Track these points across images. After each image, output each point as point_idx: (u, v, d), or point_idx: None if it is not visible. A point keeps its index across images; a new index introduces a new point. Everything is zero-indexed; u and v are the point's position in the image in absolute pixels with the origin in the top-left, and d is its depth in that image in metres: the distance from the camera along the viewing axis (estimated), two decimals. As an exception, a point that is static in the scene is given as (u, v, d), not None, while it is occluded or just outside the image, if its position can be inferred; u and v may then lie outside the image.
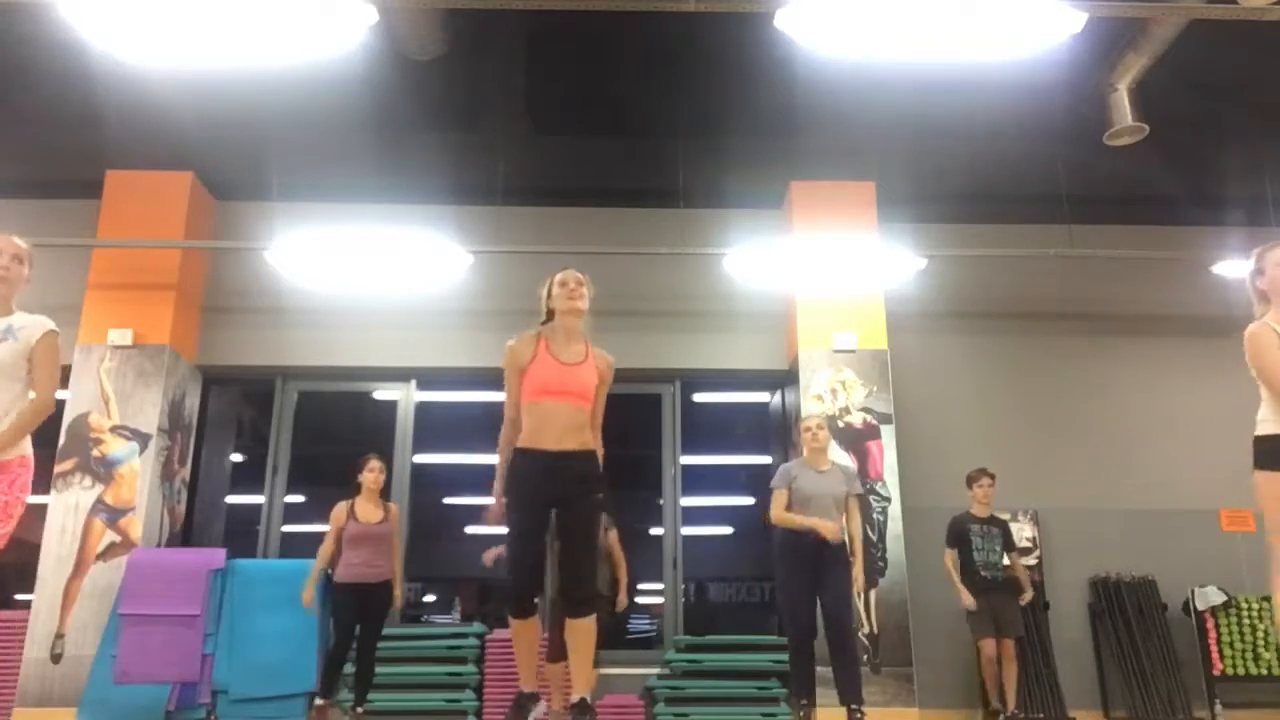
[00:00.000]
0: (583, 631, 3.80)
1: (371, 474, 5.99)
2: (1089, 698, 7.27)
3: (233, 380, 8.25)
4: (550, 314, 4.05)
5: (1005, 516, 7.61)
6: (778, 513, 5.34)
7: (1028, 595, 6.33)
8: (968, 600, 6.20)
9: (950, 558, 6.40)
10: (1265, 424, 3.38)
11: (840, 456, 7.02)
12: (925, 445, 7.59)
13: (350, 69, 5.92)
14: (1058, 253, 7.52)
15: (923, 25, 4.61)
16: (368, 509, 5.95)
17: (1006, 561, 6.45)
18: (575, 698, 3.77)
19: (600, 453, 4.00)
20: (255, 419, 8.42)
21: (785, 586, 5.33)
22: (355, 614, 5.80)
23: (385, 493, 6.17)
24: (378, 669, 5.92)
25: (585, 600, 3.80)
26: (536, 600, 3.89)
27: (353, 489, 6.02)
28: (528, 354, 3.89)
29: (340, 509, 5.96)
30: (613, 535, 6.20)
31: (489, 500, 3.96)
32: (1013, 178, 7.72)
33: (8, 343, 3.49)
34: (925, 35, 4.68)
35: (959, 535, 6.41)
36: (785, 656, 6.70)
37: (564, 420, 3.82)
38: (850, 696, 5.07)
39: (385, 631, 6.73)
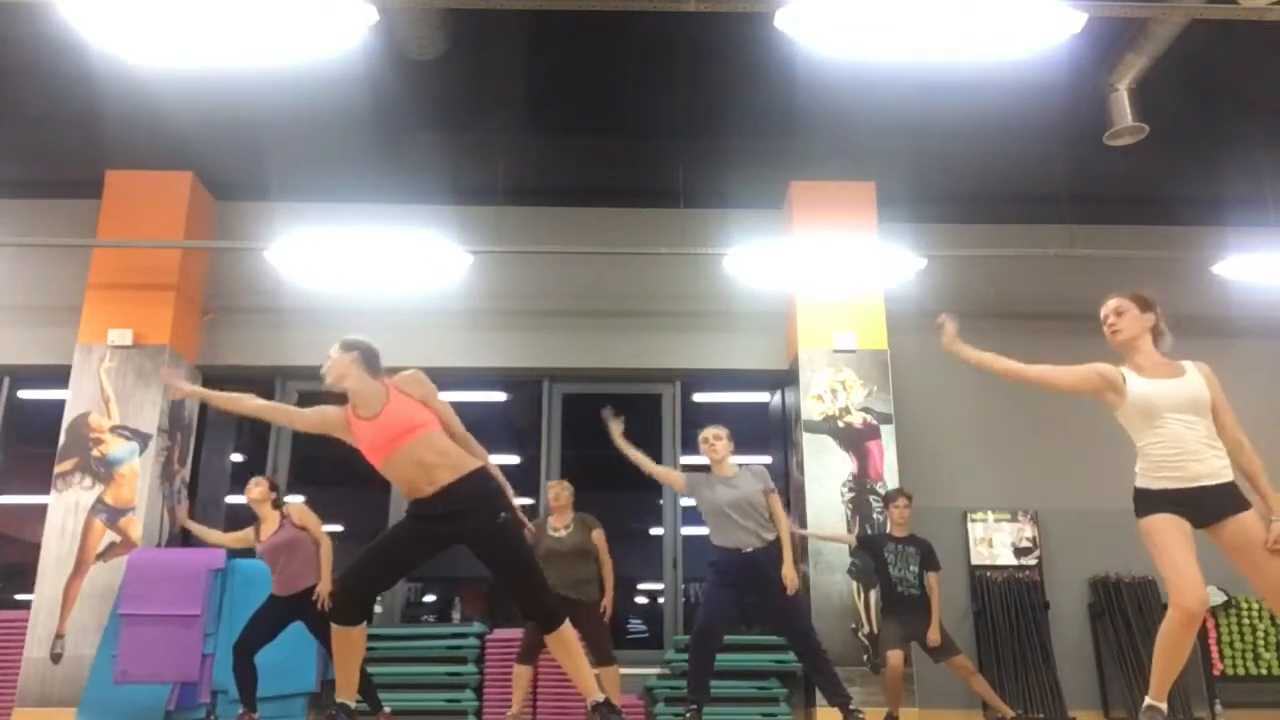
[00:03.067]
0: (558, 643, 3.75)
1: (249, 493, 5.74)
2: (1089, 698, 7.27)
3: (233, 380, 8.24)
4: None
5: (1006, 517, 7.64)
6: (654, 466, 5.46)
7: (933, 633, 6.07)
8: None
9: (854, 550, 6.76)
10: (1139, 476, 3.69)
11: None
12: (925, 445, 7.59)
13: (350, 69, 5.92)
14: (1058, 253, 7.51)
15: (923, 25, 4.61)
16: (266, 526, 5.69)
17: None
18: (590, 702, 3.76)
19: (484, 459, 3.79)
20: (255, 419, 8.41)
21: (708, 594, 5.21)
22: (272, 625, 5.52)
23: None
24: (378, 669, 5.87)
25: (545, 616, 3.73)
26: (375, 609, 3.74)
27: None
28: (341, 424, 3.80)
29: (248, 532, 5.76)
30: (598, 535, 5.98)
31: None
32: (1013, 178, 7.72)
33: None
34: (925, 35, 4.68)
35: (874, 550, 6.34)
36: (786, 656, 6.73)
37: (416, 461, 3.66)
38: (838, 697, 5.04)
39: (385, 632, 6.75)
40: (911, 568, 6.22)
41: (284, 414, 4.10)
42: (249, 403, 3.99)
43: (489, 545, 3.70)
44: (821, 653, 5.12)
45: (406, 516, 3.77)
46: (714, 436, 5.35)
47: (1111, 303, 3.83)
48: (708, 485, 5.29)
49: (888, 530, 6.51)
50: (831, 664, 5.16)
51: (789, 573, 5.10)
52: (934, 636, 6.07)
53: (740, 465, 5.39)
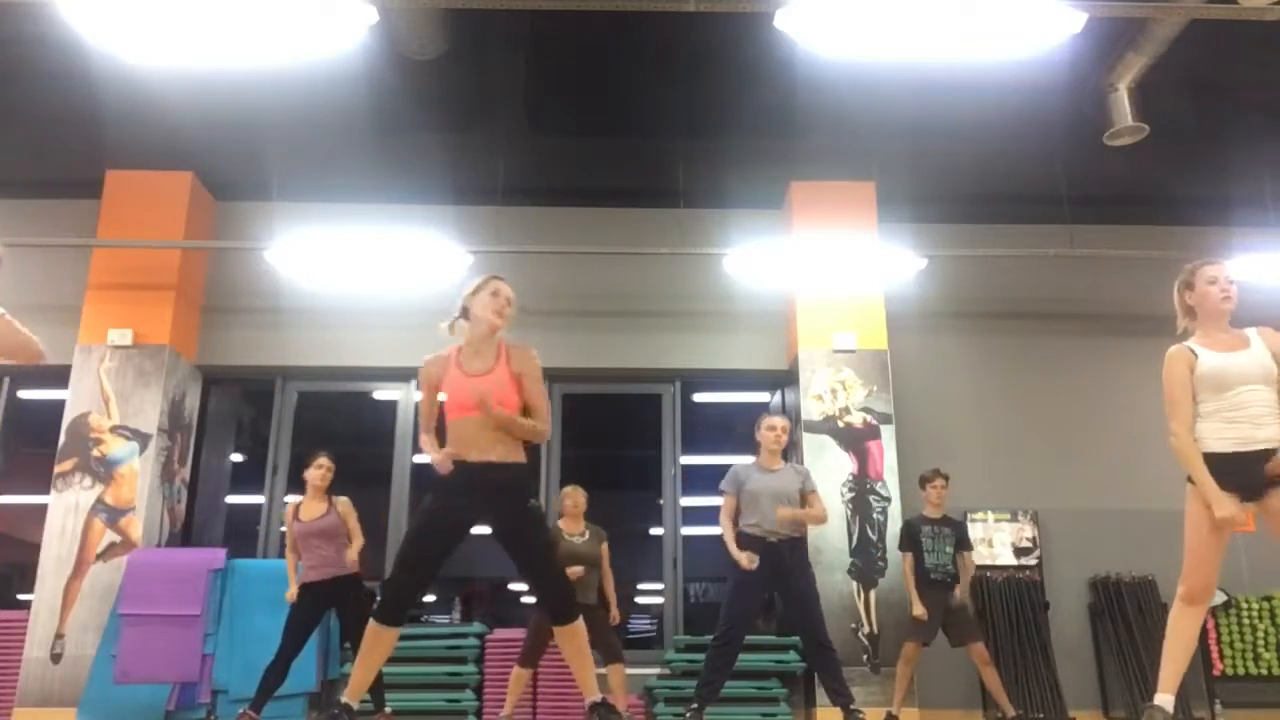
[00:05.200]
0: (569, 636, 3.75)
1: (317, 470, 5.75)
2: (1089, 698, 7.27)
3: (233, 380, 8.25)
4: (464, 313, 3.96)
5: (1006, 517, 7.64)
6: (723, 523, 5.34)
7: (959, 592, 6.19)
8: (918, 610, 6.14)
9: (907, 562, 6.31)
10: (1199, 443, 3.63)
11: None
12: (925, 445, 7.57)
13: (350, 69, 5.92)
14: (1058, 253, 7.52)
15: (923, 25, 4.61)
16: (310, 506, 5.73)
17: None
18: (588, 702, 3.76)
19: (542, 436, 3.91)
20: (255, 419, 8.42)
21: (736, 587, 5.22)
22: (308, 616, 5.61)
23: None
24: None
25: (564, 607, 3.74)
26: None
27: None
28: (437, 383, 3.88)
29: (288, 511, 5.78)
30: (605, 548, 6.17)
31: None
32: (1013, 178, 7.72)
33: None
34: (925, 35, 4.68)
35: (911, 538, 6.33)
36: (786, 656, 6.73)
37: (489, 428, 3.72)
38: (841, 696, 5.09)
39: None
40: (947, 549, 6.26)
41: (427, 413, 4.03)
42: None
43: (516, 528, 3.73)
44: (831, 650, 5.17)
45: (432, 502, 3.73)
46: (783, 428, 5.45)
47: (1226, 268, 3.77)
48: (749, 476, 5.37)
49: (923, 512, 6.45)
50: (839, 663, 5.20)
51: (816, 512, 5.30)
52: (961, 596, 6.21)
53: (785, 462, 5.49)
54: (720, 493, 5.41)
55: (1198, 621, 3.59)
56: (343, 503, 5.79)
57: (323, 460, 5.83)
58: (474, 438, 3.71)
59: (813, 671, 6.69)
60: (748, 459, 5.57)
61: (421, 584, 3.81)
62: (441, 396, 3.94)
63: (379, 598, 3.74)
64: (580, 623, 3.77)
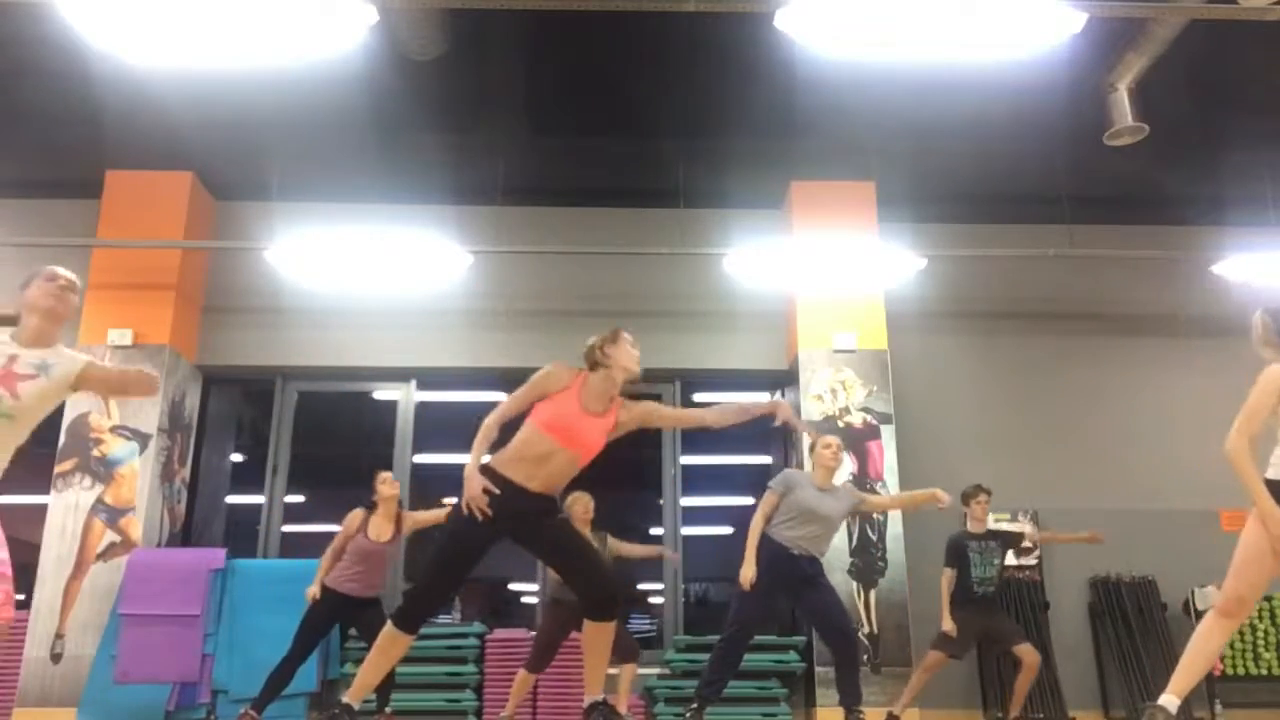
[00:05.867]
0: (601, 633, 3.75)
1: (385, 485, 5.74)
2: (1089, 698, 7.27)
3: (233, 380, 8.25)
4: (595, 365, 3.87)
5: (1005, 517, 7.64)
6: (755, 519, 5.31)
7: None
8: (949, 625, 6.07)
9: (947, 578, 6.22)
10: (1272, 468, 3.55)
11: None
12: (925, 445, 7.58)
13: (350, 69, 5.92)
14: (1058, 253, 7.52)
15: (923, 25, 4.61)
16: (381, 525, 5.70)
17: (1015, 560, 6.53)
18: (588, 701, 3.76)
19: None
20: (255, 419, 8.42)
21: (748, 594, 5.18)
22: (326, 622, 5.64)
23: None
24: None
25: (609, 601, 3.72)
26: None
27: (367, 496, 5.77)
28: (551, 390, 3.80)
29: (355, 518, 5.68)
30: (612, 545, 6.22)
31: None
32: (1013, 178, 7.72)
33: (38, 380, 3.16)
34: (925, 35, 4.68)
35: (959, 554, 6.24)
36: (786, 656, 6.73)
37: (565, 472, 3.76)
38: (851, 698, 5.15)
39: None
40: (994, 562, 6.22)
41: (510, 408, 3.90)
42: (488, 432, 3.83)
43: (558, 538, 3.77)
44: (857, 652, 5.24)
45: (472, 518, 3.63)
46: (839, 447, 5.50)
47: None
48: (802, 485, 5.37)
49: (966, 528, 6.38)
50: (859, 666, 5.27)
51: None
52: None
53: (837, 484, 5.53)
54: (766, 488, 5.40)
55: (1226, 636, 3.55)
56: (410, 521, 5.83)
57: (385, 474, 5.83)
58: (549, 465, 3.69)
59: (812, 671, 6.72)
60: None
61: (450, 594, 3.82)
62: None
63: (401, 603, 3.74)
64: (615, 623, 3.77)
